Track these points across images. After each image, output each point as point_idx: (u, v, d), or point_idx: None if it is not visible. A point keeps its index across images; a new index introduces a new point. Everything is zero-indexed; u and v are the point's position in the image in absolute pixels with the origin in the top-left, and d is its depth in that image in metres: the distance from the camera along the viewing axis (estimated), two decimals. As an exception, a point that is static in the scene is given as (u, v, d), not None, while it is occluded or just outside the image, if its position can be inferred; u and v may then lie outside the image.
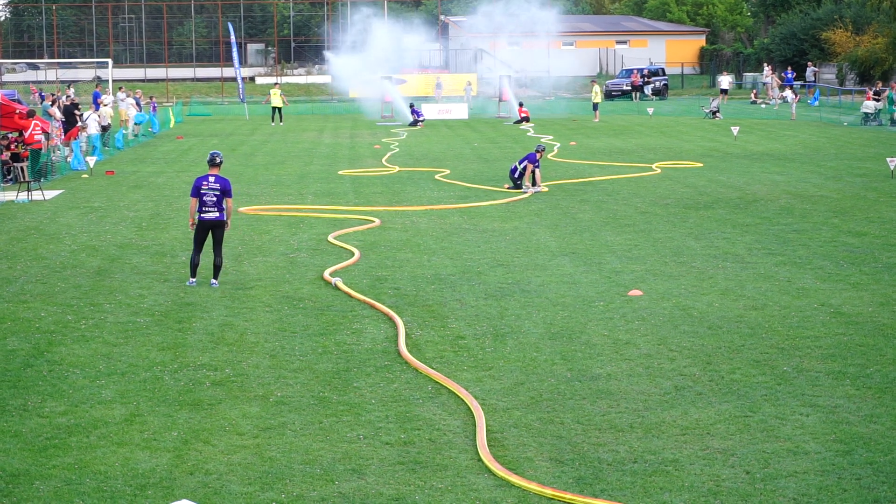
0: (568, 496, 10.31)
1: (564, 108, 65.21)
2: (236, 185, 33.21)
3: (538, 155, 32.30)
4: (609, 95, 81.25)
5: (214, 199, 19.10)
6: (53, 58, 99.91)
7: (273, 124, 60.32)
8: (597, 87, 65.34)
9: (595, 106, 62.81)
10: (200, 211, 19.15)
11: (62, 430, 12.36)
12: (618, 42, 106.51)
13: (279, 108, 61.74)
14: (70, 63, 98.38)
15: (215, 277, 19.43)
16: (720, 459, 11.29)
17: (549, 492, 10.35)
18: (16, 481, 10.86)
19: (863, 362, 14.64)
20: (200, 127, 60.78)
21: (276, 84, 67.39)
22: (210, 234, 19.24)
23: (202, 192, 19.20)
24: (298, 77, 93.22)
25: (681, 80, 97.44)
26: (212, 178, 19.25)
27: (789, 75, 79.96)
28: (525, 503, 10.24)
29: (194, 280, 19.40)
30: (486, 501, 10.23)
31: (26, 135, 35.39)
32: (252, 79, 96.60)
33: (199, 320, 17.33)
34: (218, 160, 19.75)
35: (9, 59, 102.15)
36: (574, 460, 11.28)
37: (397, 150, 45.25)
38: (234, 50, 71.30)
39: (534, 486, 10.50)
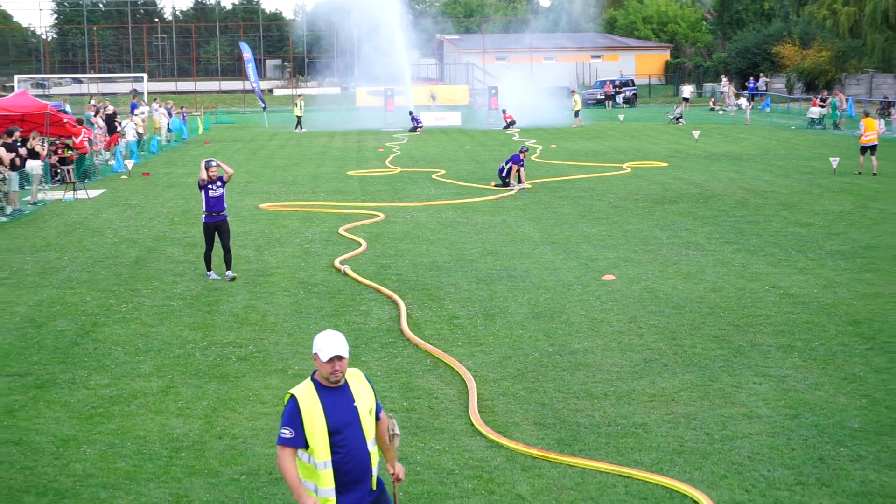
0: (550, 455, 10.39)
1: (547, 117, 64.95)
2: (257, 185, 33.37)
3: (522, 155, 32.35)
4: (585, 103, 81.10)
5: (220, 196, 18.84)
6: (95, 73, 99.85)
7: (297, 130, 60.02)
8: (576, 97, 65.39)
9: (576, 113, 62.77)
10: (208, 211, 18.84)
11: (106, 400, 12.44)
12: (592, 56, 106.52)
13: (300, 118, 61.44)
14: (109, 77, 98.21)
15: (228, 269, 19.22)
16: (683, 423, 11.36)
17: (533, 451, 10.43)
18: (66, 445, 10.95)
19: (809, 337, 14.72)
20: (225, 133, 60.71)
21: (299, 96, 67.08)
22: (217, 234, 19.08)
23: (210, 196, 18.77)
24: (311, 89, 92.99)
25: (648, 90, 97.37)
26: (216, 185, 18.81)
27: (752, 85, 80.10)
28: (512, 462, 10.32)
29: (212, 272, 19.30)
30: (479, 461, 10.30)
31: (77, 141, 35.55)
32: (271, 91, 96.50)
33: (226, 303, 17.38)
34: (212, 168, 18.83)
35: (56, 73, 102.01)
36: (555, 424, 11.35)
37: (399, 152, 45.23)
38: (252, 65, 70.83)
39: (520, 447, 10.57)
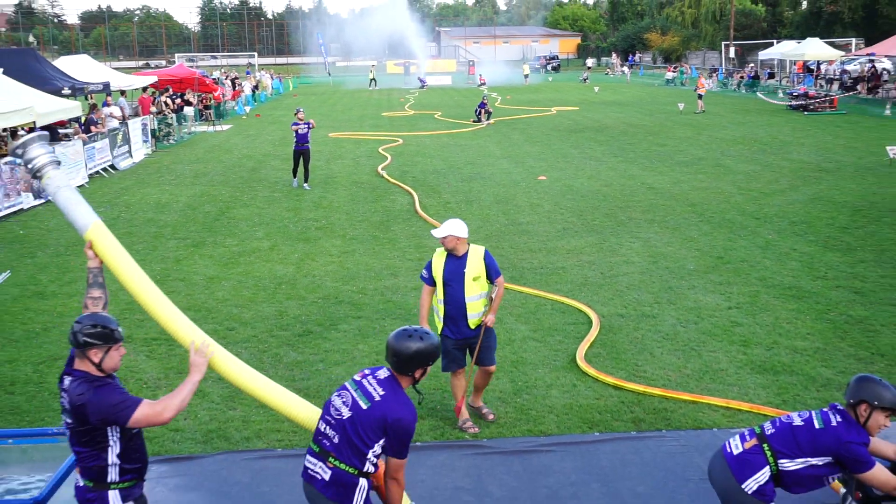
0: (506, 285, 10.34)
1: (507, 79, 63.64)
2: (327, 122, 32.79)
3: (485, 101, 32.21)
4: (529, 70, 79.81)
5: (305, 133, 17.60)
6: (225, 52, 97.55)
7: (370, 88, 58.28)
8: (526, 66, 64.35)
9: (526, 76, 61.69)
10: (297, 142, 17.50)
11: (235, 254, 12.36)
12: (532, 41, 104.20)
13: (374, 79, 59.66)
14: (234, 55, 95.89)
15: (306, 181, 17.99)
16: (587, 267, 11.32)
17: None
18: (212, 281, 10.90)
19: (664, 214, 14.62)
20: (306, 90, 59.48)
21: (372, 65, 65.25)
22: (302, 158, 17.80)
23: (298, 132, 17.36)
24: (360, 62, 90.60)
25: (567, 62, 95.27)
26: (303, 125, 17.45)
27: (632, 59, 79.71)
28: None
29: (295, 181, 18.10)
30: (463, 290, 10.26)
31: (215, 94, 35.42)
32: (334, 62, 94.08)
33: (308, 195, 17.20)
34: (300, 114, 17.57)
35: (200, 52, 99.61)
36: (509, 267, 11.29)
37: (413, 101, 44.45)
38: (323, 46, 69.68)
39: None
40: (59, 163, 4.58)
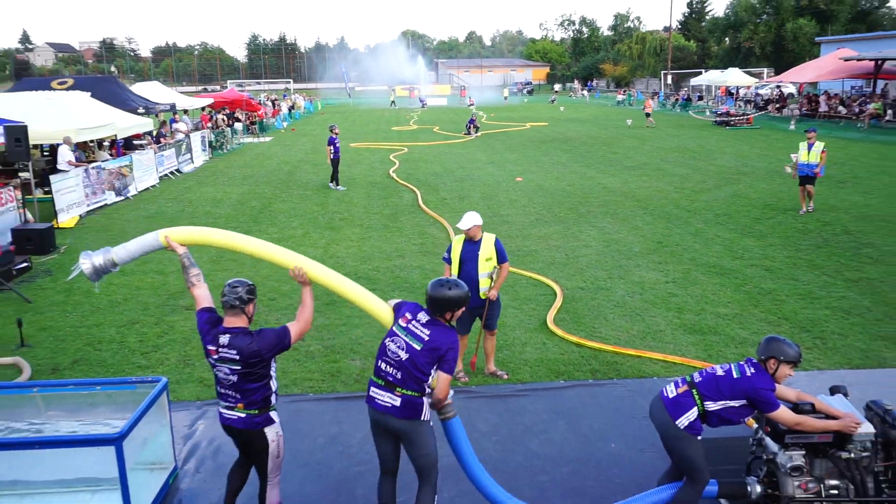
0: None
1: (490, 100, 63.26)
2: (348, 134, 32.56)
3: (474, 117, 32.15)
4: (510, 93, 79.32)
5: (339, 146, 17.40)
6: (266, 79, 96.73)
7: (392, 107, 57.34)
8: (506, 90, 64.04)
9: (505, 98, 61.33)
10: (333, 152, 17.13)
11: (276, 239, 12.25)
12: (511, 70, 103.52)
13: (394, 101, 58.87)
14: (273, 81, 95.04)
15: (337, 184, 17.54)
16: (554, 250, 11.28)
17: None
18: (257, 262, 10.81)
19: (615, 207, 14.56)
20: (332, 109, 59.03)
21: (393, 89, 64.51)
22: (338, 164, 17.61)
23: (336, 145, 17.15)
24: (374, 87, 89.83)
25: (539, 87, 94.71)
26: (337, 139, 17.30)
27: (590, 84, 79.51)
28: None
29: (341, 186, 17.60)
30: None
31: (259, 113, 35.21)
32: (354, 87, 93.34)
33: (333, 194, 17.07)
34: (335, 130, 17.31)
35: (247, 79, 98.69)
36: (493, 250, 11.27)
37: (416, 118, 44.15)
38: (345, 74, 69.16)
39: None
40: (108, 250, 4.70)
